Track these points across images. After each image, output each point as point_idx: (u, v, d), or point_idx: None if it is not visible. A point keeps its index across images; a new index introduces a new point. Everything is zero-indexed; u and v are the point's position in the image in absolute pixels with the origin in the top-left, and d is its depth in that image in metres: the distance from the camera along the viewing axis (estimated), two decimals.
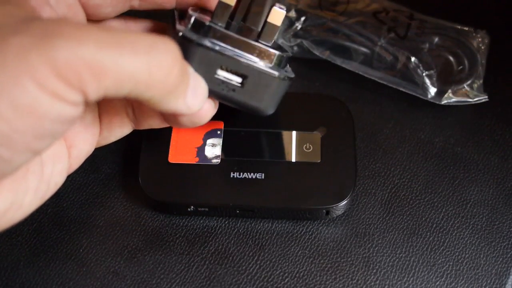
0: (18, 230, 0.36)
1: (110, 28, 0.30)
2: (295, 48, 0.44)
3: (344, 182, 0.36)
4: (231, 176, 0.36)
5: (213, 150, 0.37)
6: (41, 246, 0.36)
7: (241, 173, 0.36)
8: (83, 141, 0.32)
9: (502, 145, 0.40)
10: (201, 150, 0.37)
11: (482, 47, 0.42)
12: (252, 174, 0.36)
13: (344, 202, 0.35)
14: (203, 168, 0.36)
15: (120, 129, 0.34)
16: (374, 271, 0.35)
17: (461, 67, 0.42)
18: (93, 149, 0.34)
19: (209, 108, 0.31)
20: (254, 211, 0.36)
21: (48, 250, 0.35)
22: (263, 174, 0.36)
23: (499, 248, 0.36)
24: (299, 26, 0.44)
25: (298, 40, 0.43)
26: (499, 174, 0.39)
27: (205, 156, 0.37)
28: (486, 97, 0.40)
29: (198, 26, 0.30)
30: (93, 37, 0.23)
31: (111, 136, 0.34)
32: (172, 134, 0.38)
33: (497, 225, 0.37)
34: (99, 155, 0.39)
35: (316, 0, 0.45)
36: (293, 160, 0.37)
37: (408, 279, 0.35)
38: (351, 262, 0.35)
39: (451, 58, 0.42)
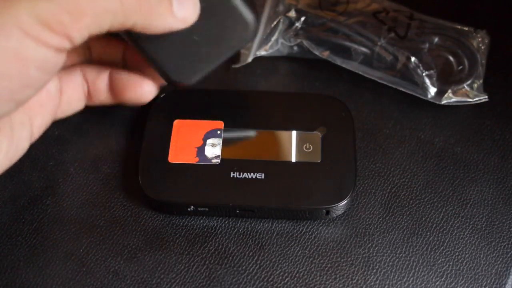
0: (18, 230, 0.36)
1: None
2: (295, 48, 0.44)
3: (344, 182, 0.36)
4: (231, 176, 0.36)
5: (213, 150, 0.37)
6: (41, 246, 0.36)
7: (241, 173, 0.36)
8: (46, 111, 0.35)
9: (502, 145, 0.40)
10: (201, 150, 0.37)
11: (482, 47, 0.42)
12: (252, 174, 0.36)
13: (344, 202, 0.35)
14: (203, 168, 0.36)
15: (76, 103, 0.37)
16: (374, 271, 0.35)
17: (461, 67, 0.42)
18: (51, 121, 0.36)
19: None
20: (254, 211, 0.36)
21: (48, 250, 0.35)
22: (263, 174, 0.36)
23: (499, 248, 0.36)
24: (299, 26, 0.44)
25: (298, 40, 0.43)
26: (499, 174, 0.39)
27: (205, 156, 0.37)
28: (486, 97, 0.40)
29: None
30: None
31: (68, 109, 0.37)
32: (172, 134, 0.38)
33: (497, 225, 0.37)
34: (99, 155, 0.39)
35: (316, 0, 0.45)
36: (293, 160, 0.37)
37: (408, 279, 0.35)
38: (351, 262, 0.35)
39: (451, 58, 0.42)
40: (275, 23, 0.44)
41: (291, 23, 0.44)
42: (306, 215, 0.36)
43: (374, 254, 0.36)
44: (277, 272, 0.35)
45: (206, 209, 0.36)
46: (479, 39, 0.42)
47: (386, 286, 0.34)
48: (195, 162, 0.37)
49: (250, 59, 0.43)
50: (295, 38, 0.43)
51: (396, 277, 0.35)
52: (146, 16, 0.29)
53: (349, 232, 0.36)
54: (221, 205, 0.36)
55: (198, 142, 0.37)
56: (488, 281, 0.35)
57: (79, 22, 0.26)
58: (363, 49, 0.42)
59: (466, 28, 0.43)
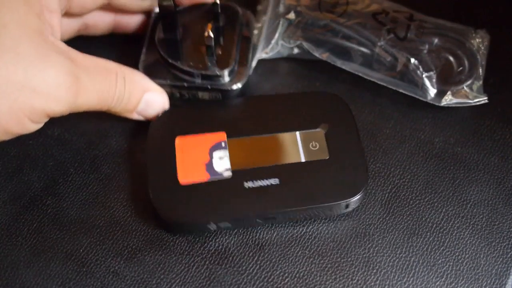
0: (18, 230, 0.36)
1: None
2: (295, 49, 0.44)
3: (357, 174, 0.36)
4: (246, 186, 0.35)
5: (222, 163, 0.36)
6: (41, 246, 0.36)
7: (255, 182, 0.35)
8: None
9: (502, 145, 0.40)
10: (209, 165, 0.36)
11: (482, 47, 0.42)
12: (266, 180, 0.35)
13: (361, 193, 0.35)
14: (216, 184, 0.35)
15: None
16: (374, 271, 0.35)
17: (461, 68, 0.42)
18: None
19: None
20: (276, 218, 0.35)
21: (48, 250, 0.35)
22: (277, 179, 0.35)
23: (499, 248, 0.36)
24: (299, 28, 0.44)
25: (298, 42, 0.43)
26: (499, 174, 0.39)
27: (215, 171, 0.36)
28: (486, 98, 0.40)
29: None
30: None
31: None
32: (177, 152, 0.36)
33: (497, 225, 0.37)
34: (99, 155, 0.39)
35: (315, 2, 0.45)
36: (303, 160, 0.37)
37: (408, 279, 0.35)
38: (351, 262, 0.35)
39: (451, 59, 0.42)
40: (275, 25, 0.44)
41: (290, 24, 0.44)
42: (327, 211, 0.36)
43: (374, 254, 0.36)
44: (277, 272, 0.35)
45: (228, 225, 0.35)
46: (479, 39, 0.42)
47: (386, 286, 0.34)
48: (207, 180, 0.36)
49: (254, 64, 0.43)
50: (295, 40, 0.43)
51: (396, 277, 0.35)
52: (110, 110, 0.35)
53: (349, 232, 0.36)
54: (242, 217, 0.35)
55: (205, 158, 0.36)
56: (488, 281, 0.35)
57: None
58: (363, 50, 0.42)
59: (466, 28, 0.43)
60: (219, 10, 0.39)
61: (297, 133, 0.38)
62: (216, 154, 0.36)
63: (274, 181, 0.35)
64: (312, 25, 0.44)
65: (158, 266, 0.35)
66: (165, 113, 0.38)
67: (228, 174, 0.36)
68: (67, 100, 0.31)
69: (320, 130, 0.38)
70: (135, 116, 0.37)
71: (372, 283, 0.35)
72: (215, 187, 0.35)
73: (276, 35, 0.44)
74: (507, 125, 0.41)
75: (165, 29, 0.39)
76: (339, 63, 0.43)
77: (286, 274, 0.35)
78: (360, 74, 0.42)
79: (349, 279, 0.35)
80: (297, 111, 0.39)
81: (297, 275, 0.35)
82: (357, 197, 0.35)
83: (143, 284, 0.34)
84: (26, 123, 0.30)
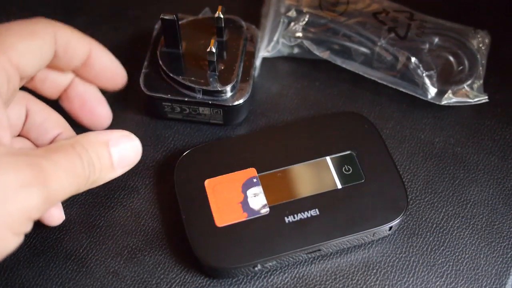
0: None
1: None
2: (296, 48, 0.44)
3: (396, 194, 0.35)
4: (286, 221, 0.34)
5: (257, 200, 0.35)
6: (41, 246, 0.36)
7: (295, 215, 0.34)
8: None
9: (502, 145, 0.40)
10: (245, 204, 0.35)
11: (482, 47, 0.42)
12: (306, 213, 0.34)
13: (403, 214, 0.34)
14: (255, 222, 0.34)
15: None
16: (374, 271, 0.35)
17: (461, 67, 0.42)
18: None
19: None
20: (321, 250, 0.34)
21: (48, 250, 0.35)
22: (317, 210, 0.35)
23: (499, 248, 0.36)
24: (299, 26, 0.43)
25: (298, 40, 0.43)
26: (499, 174, 0.39)
27: (252, 209, 0.35)
28: (486, 97, 0.40)
29: None
30: None
31: None
32: (208, 195, 0.35)
33: (497, 225, 0.37)
34: None
35: (316, 1, 0.45)
36: (339, 186, 0.36)
37: (408, 279, 0.35)
38: (351, 262, 0.35)
39: (451, 58, 0.42)
40: (276, 23, 0.44)
41: (291, 23, 0.44)
42: (371, 236, 0.35)
43: (374, 254, 0.36)
44: (277, 272, 0.35)
45: (274, 263, 0.34)
46: (479, 39, 0.42)
47: (386, 286, 0.34)
48: (245, 219, 0.34)
49: (257, 63, 0.43)
50: (295, 39, 0.43)
51: (396, 277, 0.35)
52: (94, 183, 0.32)
53: None
54: (288, 254, 0.33)
55: (239, 197, 0.35)
56: (488, 281, 0.35)
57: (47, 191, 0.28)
58: (363, 49, 0.42)
59: (466, 28, 0.43)
60: (223, 25, 0.39)
61: (328, 158, 0.37)
62: (250, 191, 0.35)
63: (313, 212, 0.34)
64: (312, 24, 0.44)
65: (158, 266, 0.35)
66: (188, 155, 0.37)
67: (265, 210, 0.35)
68: (38, 190, 0.28)
69: (350, 152, 0.37)
70: (120, 171, 0.34)
71: (372, 283, 0.35)
72: (254, 226, 0.34)
73: (277, 34, 0.44)
74: (507, 125, 0.41)
75: (167, 43, 0.39)
76: (339, 62, 0.43)
77: (286, 274, 0.35)
78: (360, 73, 0.42)
79: (349, 279, 0.35)
80: (323, 135, 0.38)
81: (297, 275, 0.35)
82: (399, 218, 0.34)
83: (143, 284, 0.34)
84: (8, 238, 0.28)
